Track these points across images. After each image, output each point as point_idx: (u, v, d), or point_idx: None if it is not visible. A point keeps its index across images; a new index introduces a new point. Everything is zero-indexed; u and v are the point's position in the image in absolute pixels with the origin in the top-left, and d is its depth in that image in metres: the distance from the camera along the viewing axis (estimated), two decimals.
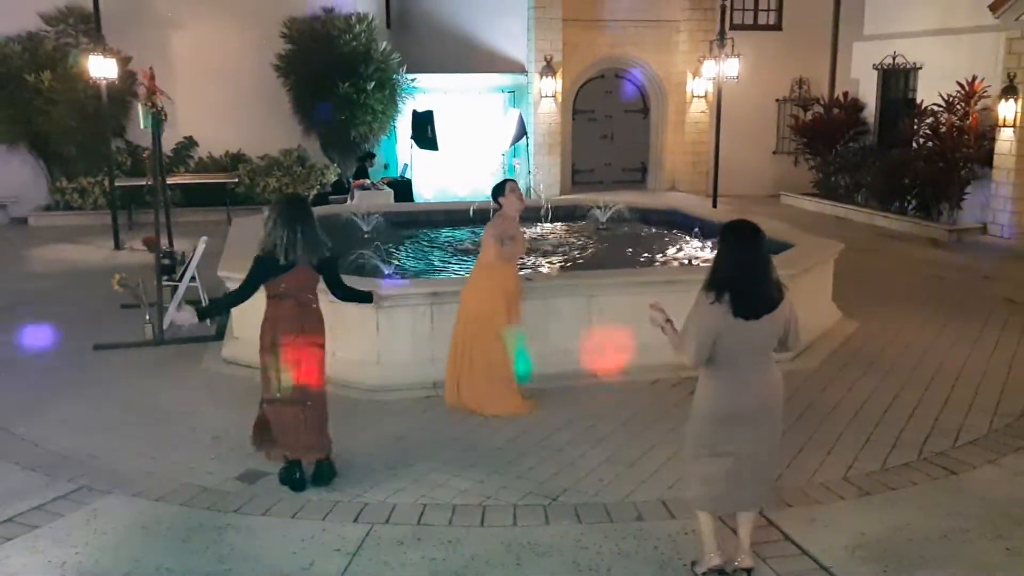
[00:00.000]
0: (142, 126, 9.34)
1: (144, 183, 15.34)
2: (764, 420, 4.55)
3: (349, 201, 14.58)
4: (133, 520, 5.35)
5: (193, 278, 9.40)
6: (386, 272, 9.09)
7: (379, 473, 6.00)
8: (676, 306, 7.82)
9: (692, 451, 4.69)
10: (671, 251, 10.57)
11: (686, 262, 9.98)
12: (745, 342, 4.42)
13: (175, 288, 9.43)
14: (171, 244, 10.23)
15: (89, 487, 5.75)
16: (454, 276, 9.21)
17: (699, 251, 10.43)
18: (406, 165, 17.71)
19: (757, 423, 4.52)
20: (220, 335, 8.92)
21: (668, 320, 4.73)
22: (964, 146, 15.38)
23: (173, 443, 6.49)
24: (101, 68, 13.34)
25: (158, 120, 9.15)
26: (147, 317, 8.93)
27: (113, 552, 5.01)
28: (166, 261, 9.53)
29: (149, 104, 9.03)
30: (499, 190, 7.13)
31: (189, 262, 9.51)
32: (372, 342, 7.62)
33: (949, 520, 5.37)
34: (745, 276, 4.36)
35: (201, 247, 9.50)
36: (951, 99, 15.66)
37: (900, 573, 4.82)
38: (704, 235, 10.81)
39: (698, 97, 20.08)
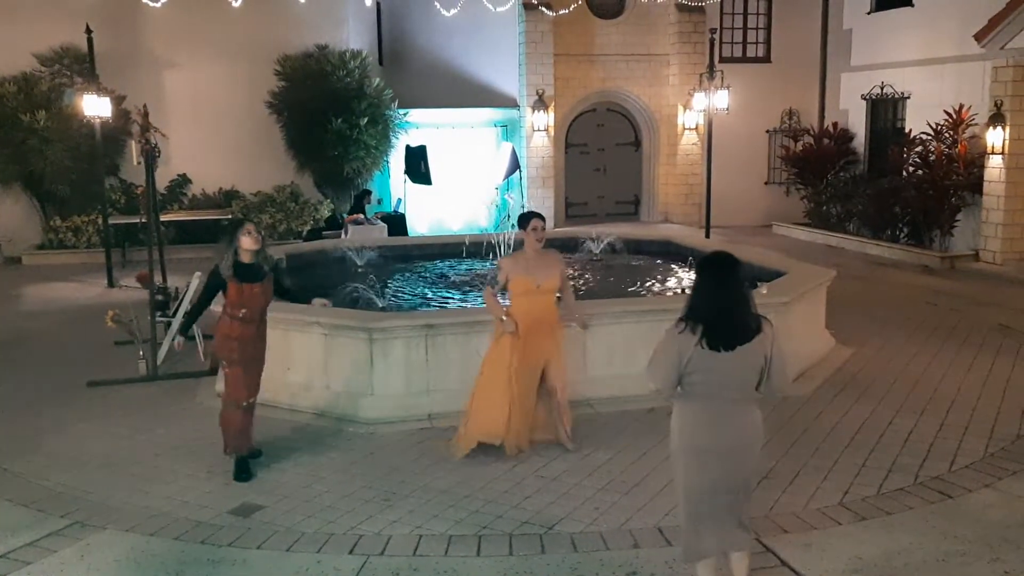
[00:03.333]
0: (136, 162, 9.39)
1: (138, 220, 15.40)
2: (737, 459, 4.39)
3: (343, 236, 14.62)
4: (126, 555, 5.31)
5: (186, 313, 9.39)
6: (380, 305, 9.10)
7: (374, 504, 5.97)
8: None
9: (682, 493, 4.52)
10: (664, 281, 10.61)
11: (680, 292, 10.01)
12: (720, 375, 4.30)
13: (169, 324, 9.43)
14: (164, 280, 10.26)
15: (82, 523, 5.71)
16: (447, 308, 9.23)
17: (693, 281, 10.45)
18: (400, 200, 17.79)
19: (730, 461, 4.37)
20: (214, 370, 8.90)
21: None
22: (953, 174, 15.51)
23: (166, 478, 6.45)
24: (95, 107, 13.42)
25: (152, 157, 9.21)
26: (141, 353, 8.92)
27: None
28: (160, 297, 9.55)
29: (143, 141, 9.10)
30: (522, 223, 6.80)
31: (182, 298, 9.52)
32: (366, 374, 7.62)
33: (946, 544, 5.35)
34: (717, 306, 4.29)
35: (194, 283, 9.50)
36: (939, 128, 15.82)
37: None
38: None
39: (689, 129, 20.23)
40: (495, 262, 7.89)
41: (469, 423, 6.75)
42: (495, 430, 6.67)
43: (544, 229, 6.79)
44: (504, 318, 6.60)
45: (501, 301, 6.89)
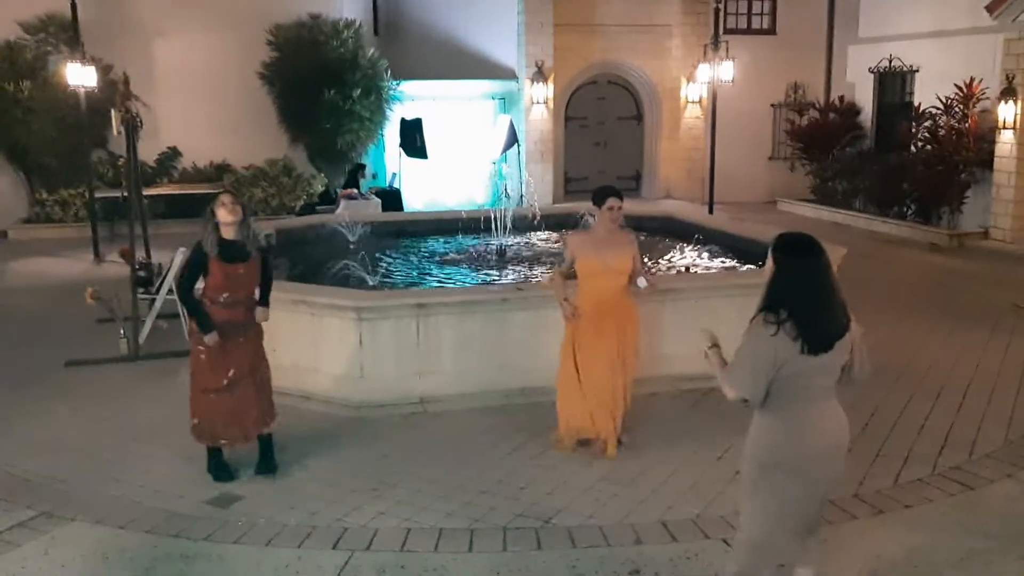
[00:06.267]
0: (116, 132, 9.03)
1: (120, 195, 15.01)
2: (833, 461, 3.87)
3: (337, 211, 14.23)
4: (93, 549, 4.97)
5: (170, 291, 9.03)
6: (371, 283, 8.73)
7: (361, 495, 5.63)
8: (678, 315, 7.58)
9: (772, 511, 3.88)
10: (668, 258, 10.23)
11: (684, 270, 9.65)
12: (811, 375, 3.73)
13: (152, 301, 9.09)
14: (148, 256, 9.87)
15: (49, 513, 5.37)
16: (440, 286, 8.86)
17: (697, 259, 10.09)
18: (395, 174, 17.38)
19: (827, 465, 3.85)
20: None
21: (714, 345, 4.05)
22: (963, 149, 15.10)
23: (143, 465, 6.11)
24: (80, 76, 12.98)
25: (132, 127, 8.82)
26: (122, 331, 8.57)
27: None
28: (142, 273, 9.19)
29: (123, 110, 8.71)
30: (598, 200, 6.06)
31: (166, 274, 9.16)
32: (355, 356, 7.26)
33: (969, 539, 5.03)
34: (812, 303, 3.70)
35: (179, 258, 9.11)
36: (949, 102, 15.39)
37: None
38: (705, 242, 10.49)
39: (692, 103, 19.77)
40: (564, 237, 6.99)
41: (559, 418, 6.29)
42: (579, 424, 6.20)
43: (621, 208, 6.04)
44: (564, 302, 6.00)
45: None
